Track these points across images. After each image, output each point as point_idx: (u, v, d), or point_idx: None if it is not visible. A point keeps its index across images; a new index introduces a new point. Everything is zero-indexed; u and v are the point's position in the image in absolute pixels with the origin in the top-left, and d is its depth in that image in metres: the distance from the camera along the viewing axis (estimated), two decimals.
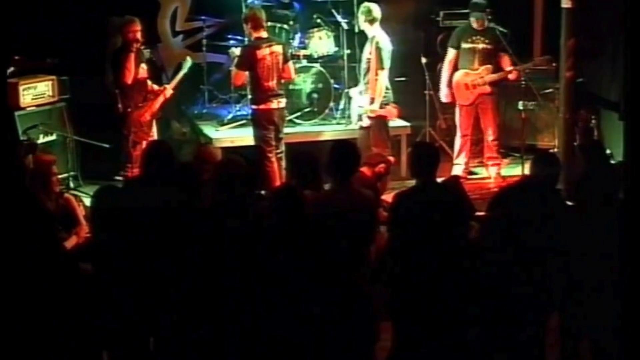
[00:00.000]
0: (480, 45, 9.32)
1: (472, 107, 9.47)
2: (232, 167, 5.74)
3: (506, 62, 9.33)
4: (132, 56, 8.27)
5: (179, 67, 8.89)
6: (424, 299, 5.13)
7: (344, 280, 5.02)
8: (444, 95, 9.54)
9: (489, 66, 9.30)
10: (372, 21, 8.75)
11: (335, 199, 5.49)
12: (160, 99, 8.55)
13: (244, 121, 9.52)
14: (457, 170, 9.55)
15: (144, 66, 8.43)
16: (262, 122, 8.54)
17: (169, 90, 8.62)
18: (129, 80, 8.27)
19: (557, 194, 5.97)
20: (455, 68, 9.45)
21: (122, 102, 8.38)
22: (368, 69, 8.79)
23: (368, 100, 8.84)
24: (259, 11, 8.69)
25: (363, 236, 5.43)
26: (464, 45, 9.39)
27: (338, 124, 9.66)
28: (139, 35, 8.31)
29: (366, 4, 8.93)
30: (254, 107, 8.59)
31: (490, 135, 9.50)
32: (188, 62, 8.83)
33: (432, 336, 5.14)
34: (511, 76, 9.31)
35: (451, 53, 9.49)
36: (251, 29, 8.57)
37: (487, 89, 9.35)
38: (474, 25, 9.32)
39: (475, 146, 9.75)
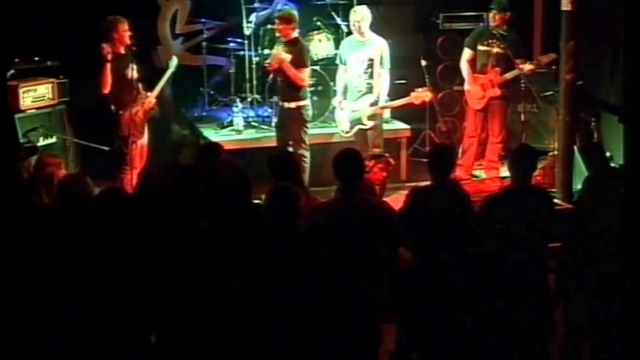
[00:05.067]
0: (495, 49, 9.28)
1: (482, 111, 9.48)
2: (227, 171, 5.74)
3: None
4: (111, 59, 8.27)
5: (165, 68, 8.82)
6: (434, 299, 5.14)
7: (348, 284, 5.01)
8: (468, 91, 9.55)
9: (497, 69, 9.28)
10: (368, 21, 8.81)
11: (340, 206, 5.49)
12: (152, 98, 8.51)
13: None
14: (460, 171, 9.55)
15: (134, 66, 8.41)
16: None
17: (154, 94, 8.55)
18: (107, 86, 8.27)
19: (546, 196, 6.02)
20: (472, 67, 9.45)
21: (114, 103, 8.37)
22: (370, 71, 8.81)
23: (364, 102, 8.86)
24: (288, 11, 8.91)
25: (371, 243, 5.39)
26: (480, 48, 9.38)
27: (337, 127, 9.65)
28: (126, 37, 8.30)
29: (359, 8, 8.96)
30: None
31: (495, 137, 9.50)
32: (174, 61, 8.80)
33: (437, 337, 5.13)
34: (514, 73, 9.24)
35: (467, 53, 9.47)
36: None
37: (497, 92, 9.32)
38: (492, 22, 9.29)
39: (477, 148, 9.76)
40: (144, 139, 8.59)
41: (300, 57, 8.72)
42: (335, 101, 9.20)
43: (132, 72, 8.38)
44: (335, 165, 5.61)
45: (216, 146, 6.85)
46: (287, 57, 8.63)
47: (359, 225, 5.31)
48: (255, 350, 4.82)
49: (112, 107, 8.37)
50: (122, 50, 8.34)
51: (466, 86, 9.54)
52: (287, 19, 8.69)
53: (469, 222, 5.47)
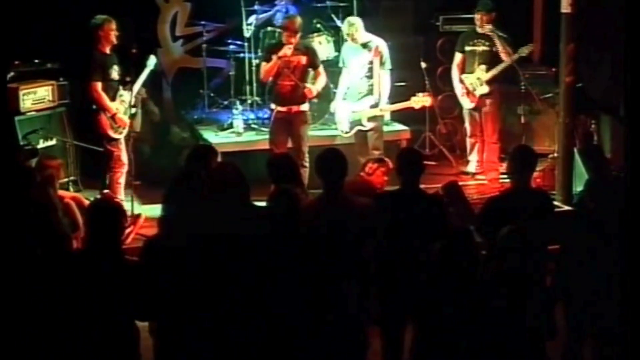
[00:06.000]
0: (481, 48, 9.44)
1: (476, 110, 9.59)
2: (224, 174, 5.74)
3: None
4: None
5: (143, 66, 8.78)
6: (409, 303, 5.13)
7: (333, 287, 5.00)
8: (460, 94, 9.64)
9: (483, 66, 9.37)
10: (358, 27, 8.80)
11: (322, 206, 5.50)
12: (132, 95, 8.51)
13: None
14: (471, 166, 9.79)
15: (116, 67, 8.42)
16: None
17: (135, 88, 8.56)
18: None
19: (546, 198, 6.03)
20: (463, 71, 9.57)
21: (95, 102, 8.38)
22: (371, 74, 8.82)
23: (365, 103, 8.86)
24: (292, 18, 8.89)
25: (354, 243, 5.39)
26: (467, 49, 9.56)
27: (337, 128, 9.64)
28: (112, 37, 8.31)
29: (348, 20, 8.96)
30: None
31: (490, 138, 9.58)
32: (152, 60, 8.79)
33: (423, 340, 5.13)
34: (505, 58, 9.29)
35: (457, 57, 9.64)
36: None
37: (486, 89, 9.40)
38: (477, 23, 9.43)
39: (482, 145, 9.84)
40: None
41: (316, 58, 8.88)
42: (333, 106, 9.22)
43: (114, 73, 8.39)
44: (318, 165, 5.64)
45: (210, 149, 6.86)
46: (303, 58, 8.70)
47: (342, 224, 5.31)
48: (245, 351, 4.82)
49: (94, 106, 8.38)
50: (107, 51, 8.36)
51: (456, 90, 9.65)
52: (294, 29, 8.66)
53: (439, 225, 5.47)
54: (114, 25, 8.32)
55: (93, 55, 8.31)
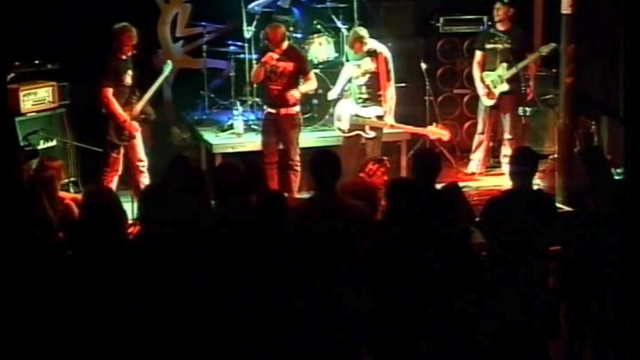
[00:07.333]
0: (501, 46, 9.49)
1: (495, 108, 9.66)
2: (228, 173, 5.74)
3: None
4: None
5: (159, 71, 8.82)
6: (425, 300, 5.13)
7: (327, 288, 4.99)
8: (482, 93, 9.68)
9: (504, 64, 9.42)
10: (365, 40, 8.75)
11: (315, 208, 5.49)
12: (142, 103, 8.53)
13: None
14: (472, 165, 9.84)
15: (130, 72, 8.43)
16: None
17: (147, 95, 8.58)
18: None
19: (547, 198, 6.02)
20: (483, 69, 9.63)
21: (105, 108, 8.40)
22: (372, 82, 8.79)
23: (371, 112, 8.83)
24: (273, 29, 8.74)
25: (345, 245, 5.37)
26: (487, 46, 9.62)
27: (336, 127, 9.63)
28: (128, 48, 8.32)
29: (354, 32, 8.91)
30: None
31: (507, 134, 9.66)
32: (168, 66, 8.82)
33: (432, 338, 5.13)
34: (523, 63, 9.38)
35: (478, 55, 9.71)
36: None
37: (506, 86, 9.50)
38: (496, 17, 9.51)
39: (489, 144, 9.91)
40: (134, 144, 8.58)
41: (304, 64, 8.83)
42: (331, 94, 9.15)
43: (128, 78, 8.40)
44: (311, 166, 5.64)
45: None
46: (289, 65, 8.63)
47: (335, 225, 5.30)
48: (237, 352, 4.82)
49: (103, 110, 8.40)
50: (123, 56, 8.37)
51: (478, 89, 9.69)
52: (276, 41, 8.60)
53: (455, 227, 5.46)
54: (132, 34, 8.31)
55: (107, 60, 8.32)
